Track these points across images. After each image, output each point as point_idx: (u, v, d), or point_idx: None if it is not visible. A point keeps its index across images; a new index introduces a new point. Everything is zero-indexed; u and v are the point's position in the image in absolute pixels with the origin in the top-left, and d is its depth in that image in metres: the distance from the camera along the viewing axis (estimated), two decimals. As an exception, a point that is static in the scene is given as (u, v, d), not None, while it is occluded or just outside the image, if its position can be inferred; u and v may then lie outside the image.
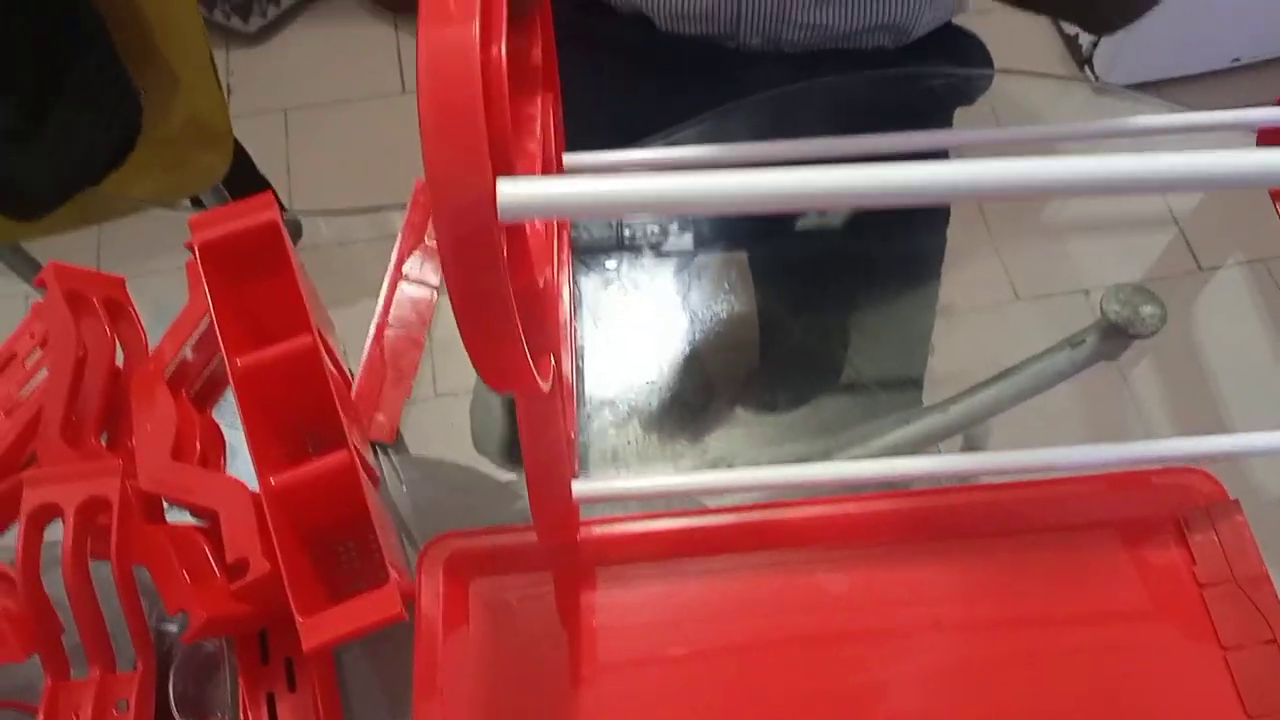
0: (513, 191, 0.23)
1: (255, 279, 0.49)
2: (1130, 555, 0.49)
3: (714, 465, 0.58)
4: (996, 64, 0.78)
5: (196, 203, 0.85)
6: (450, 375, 1.00)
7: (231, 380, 0.45)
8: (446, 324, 0.78)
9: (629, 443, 0.62)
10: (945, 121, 0.77)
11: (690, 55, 0.71)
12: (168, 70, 0.68)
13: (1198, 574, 0.48)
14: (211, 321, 0.47)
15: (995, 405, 0.57)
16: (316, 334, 0.47)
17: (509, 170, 0.23)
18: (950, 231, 0.79)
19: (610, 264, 0.67)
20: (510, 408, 0.69)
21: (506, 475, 0.63)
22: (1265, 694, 0.45)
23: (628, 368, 0.65)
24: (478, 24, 0.22)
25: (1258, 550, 0.48)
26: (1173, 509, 0.50)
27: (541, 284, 0.29)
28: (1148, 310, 0.55)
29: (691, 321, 0.67)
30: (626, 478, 0.42)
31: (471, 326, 0.24)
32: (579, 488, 0.41)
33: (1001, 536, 0.50)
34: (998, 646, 0.47)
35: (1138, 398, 1.18)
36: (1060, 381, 0.58)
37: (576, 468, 0.42)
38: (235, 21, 1.59)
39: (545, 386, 0.29)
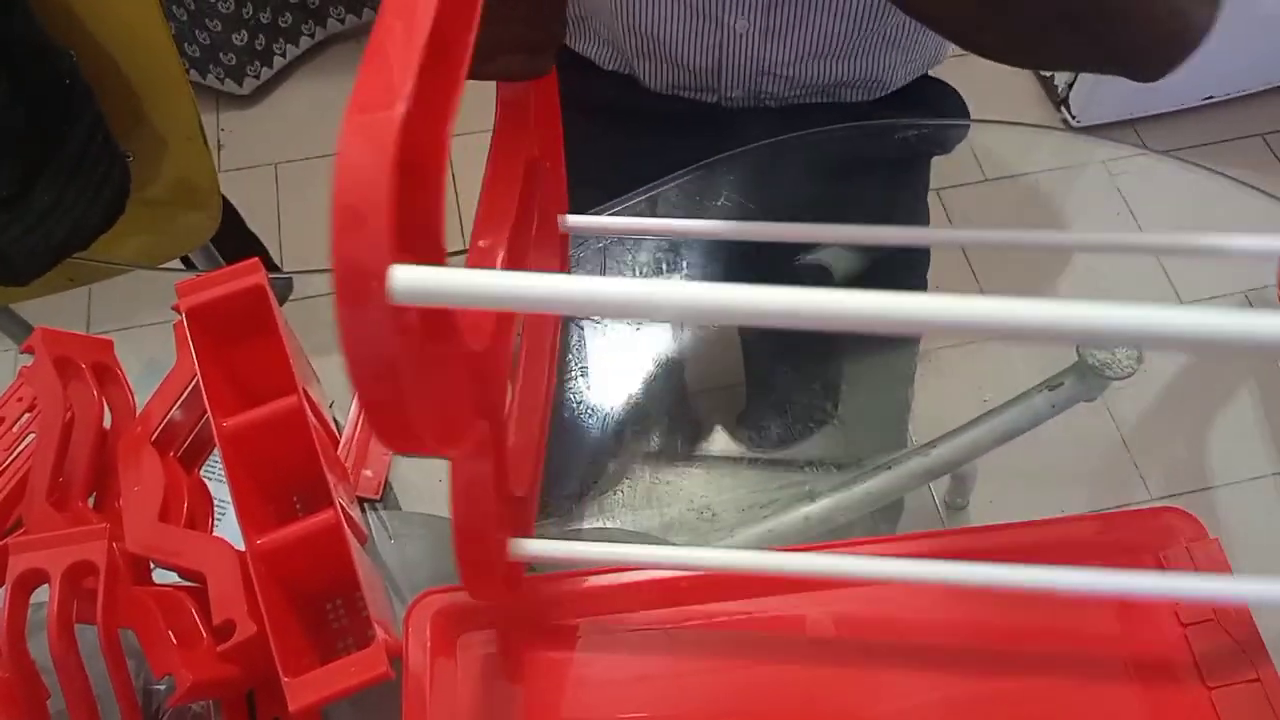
0: (407, 279, 0.23)
1: (242, 341, 0.50)
2: (1110, 596, 0.50)
3: (699, 510, 0.59)
4: (976, 106, 0.80)
5: (187, 263, 0.86)
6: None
7: (218, 442, 0.46)
8: None
9: (621, 486, 0.62)
10: (923, 169, 0.79)
11: (674, 112, 0.73)
12: (155, 134, 0.69)
13: (1180, 613, 0.49)
14: (198, 383, 0.48)
15: (974, 449, 0.58)
16: (302, 394, 0.47)
17: (416, 253, 0.24)
18: (932, 274, 0.80)
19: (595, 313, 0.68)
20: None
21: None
22: (1250, 732, 0.45)
23: (618, 409, 0.66)
24: (403, 108, 0.22)
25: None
26: (1154, 549, 0.50)
27: (478, 349, 0.29)
28: (1124, 352, 0.56)
29: (681, 363, 0.68)
30: (570, 543, 0.42)
31: (363, 395, 0.25)
32: (520, 548, 0.41)
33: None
34: (981, 688, 0.47)
35: (1118, 435, 1.19)
36: (1039, 424, 0.59)
37: (532, 525, 0.42)
38: (229, 84, 1.61)
39: (453, 452, 0.29)
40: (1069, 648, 0.49)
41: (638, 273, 0.68)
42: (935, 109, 0.77)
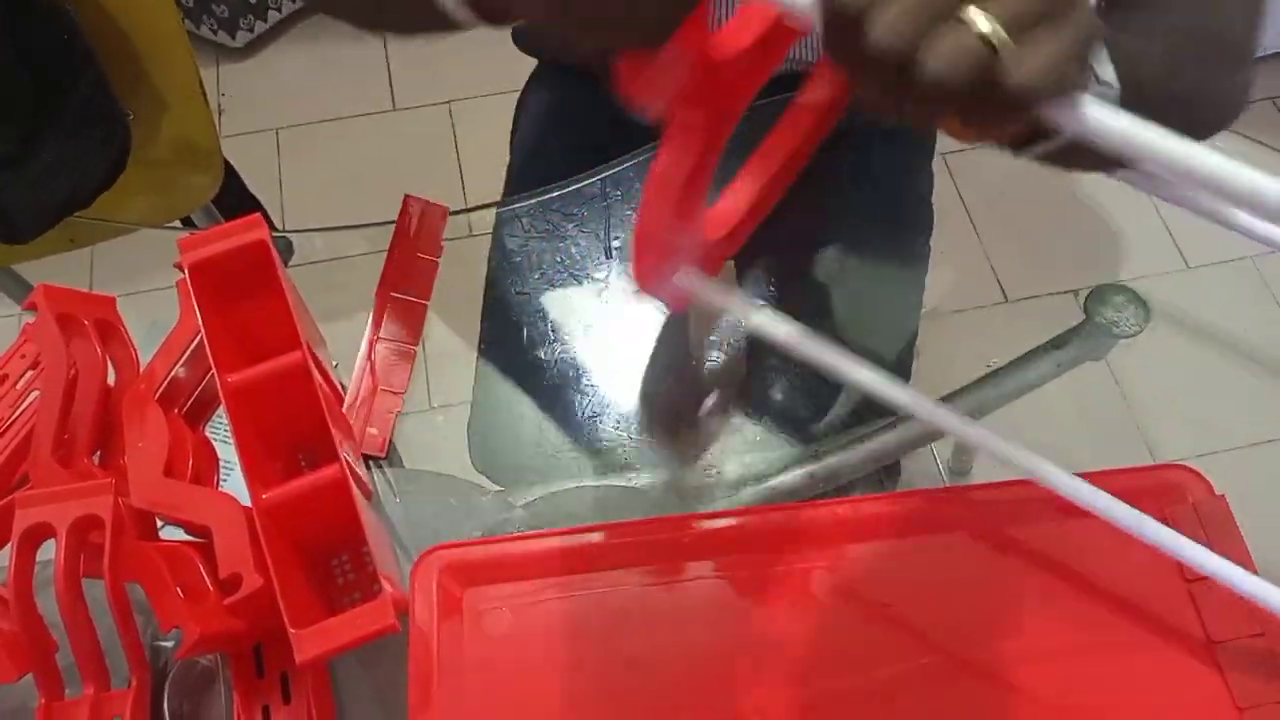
0: None
1: (245, 297, 0.50)
2: (1120, 553, 0.50)
3: (704, 468, 0.59)
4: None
5: (188, 223, 0.85)
6: (445, 388, 1.00)
7: (223, 397, 0.46)
8: (440, 336, 0.78)
9: (626, 443, 0.62)
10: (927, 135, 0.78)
11: None
12: (156, 94, 0.69)
13: (1185, 571, 0.49)
14: (202, 340, 0.47)
15: (980, 408, 0.57)
16: (306, 350, 0.47)
17: None
18: (937, 236, 0.79)
19: (599, 274, 0.68)
20: (507, 425, 0.70)
21: (500, 489, 0.63)
22: (1254, 686, 0.45)
23: (622, 374, 0.65)
24: None
25: (1245, 546, 0.48)
26: (1161, 506, 0.50)
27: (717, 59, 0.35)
28: (1131, 310, 0.56)
29: (681, 327, 0.67)
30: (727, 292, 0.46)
31: None
32: (687, 278, 0.44)
33: (987, 537, 0.50)
34: (986, 647, 0.48)
35: (1126, 394, 1.19)
36: (1045, 383, 0.58)
37: (717, 270, 0.48)
38: (222, 36, 1.60)
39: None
40: (1075, 605, 0.49)
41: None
42: None
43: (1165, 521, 0.50)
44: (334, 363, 0.71)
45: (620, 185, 0.68)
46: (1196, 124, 0.45)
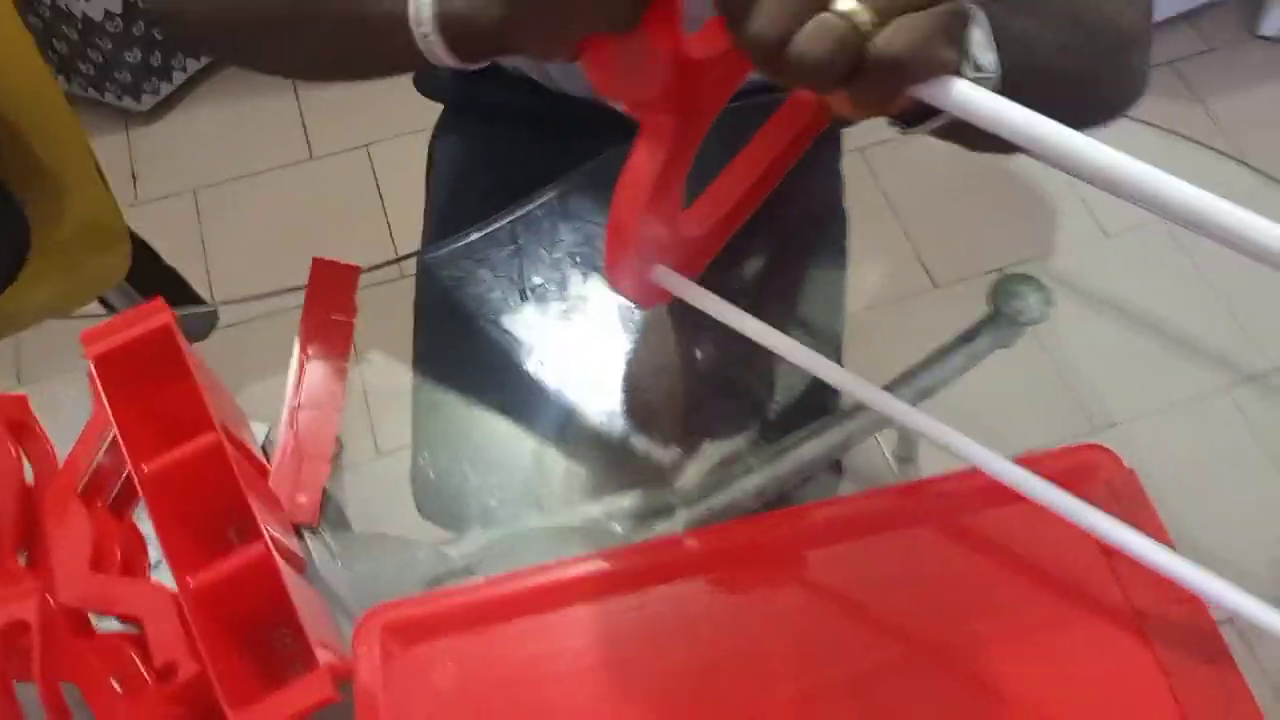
0: None
1: (155, 382, 0.49)
2: (1041, 534, 0.51)
3: (642, 495, 0.59)
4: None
5: (106, 304, 0.84)
6: (390, 434, 1.00)
7: (139, 486, 0.45)
8: (380, 381, 0.78)
9: (554, 482, 0.63)
10: (835, 136, 0.79)
11: (582, 113, 0.71)
12: (52, 178, 0.68)
13: (1106, 544, 0.50)
14: (114, 431, 0.47)
15: (897, 405, 0.58)
16: (221, 430, 0.47)
17: None
18: (859, 232, 0.81)
19: (520, 315, 0.68)
20: (450, 470, 0.70)
21: (448, 535, 0.63)
22: (1180, 652, 0.47)
23: (554, 410, 0.66)
24: None
25: (1158, 517, 0.50)
26: (1077, 485, 0.52)
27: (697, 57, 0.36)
28: (1034, 298, 0.57)
29: (620, 354, 0.68)
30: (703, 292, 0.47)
31: None
32: (663, 276, 0.46)
33: (914, 528, 0.52)
34: (916, 638, 0.49)
35: (1055, 374, 1.22)
36: (960, 374, 0.60)
37: (697, 270, 0.47)
38: (128, 101, 1.58)
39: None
40: (1003, 589, 0.50)
41: (553, 265, 0.68)
42: None
43: (1083, 499, 0.51)
44: (267, 429, 0.71)
45: (530, 228, 0.69)
46: (1092, 107, 0.47)
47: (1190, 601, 0.48)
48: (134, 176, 1.60)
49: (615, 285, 0.45)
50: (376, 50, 0.45)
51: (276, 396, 0.64)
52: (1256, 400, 1.30)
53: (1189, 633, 0.47)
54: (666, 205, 0.43)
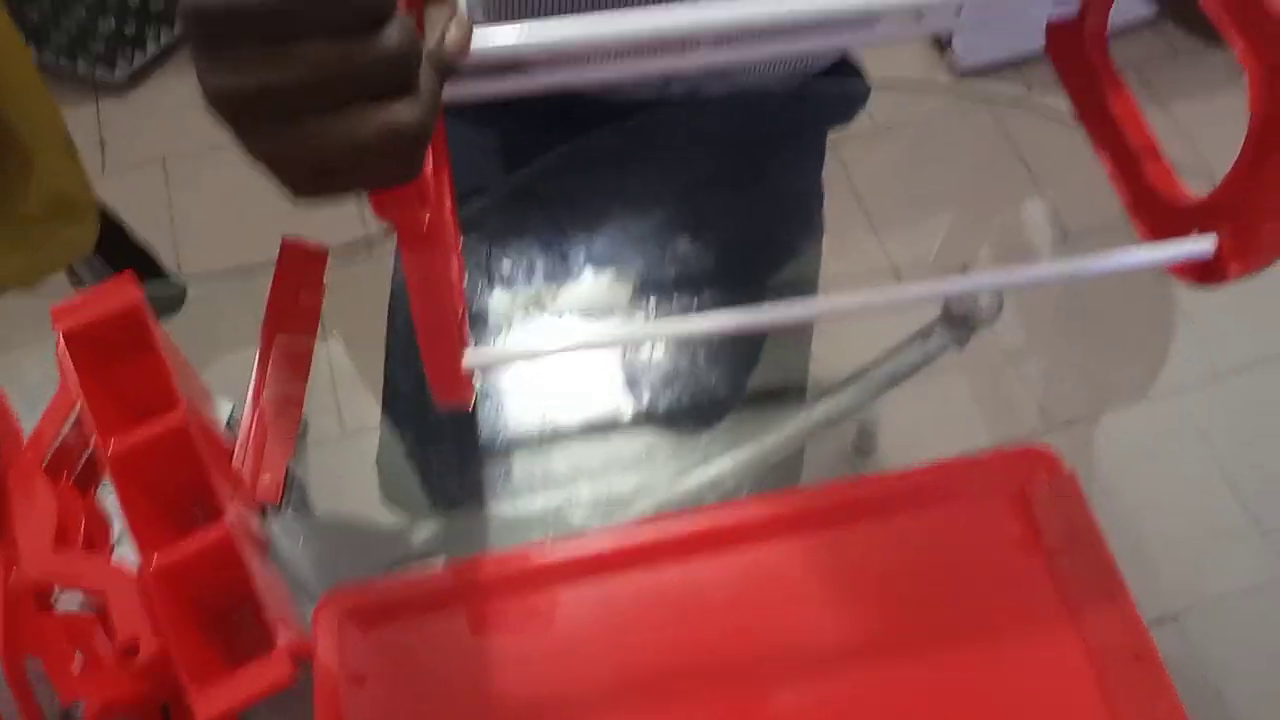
0: None
1: (123, 358, 0.50)
2: (982, 532, 0.53)
3: (597, 487, 0.61)
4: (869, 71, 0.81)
5: (74, 275, 0.84)
6: (356, 413, 1.00)
7: (105, 463, 0.46)
8: (348, 360, 0.79)
9: (511, 469, 0.64)
10: (820, 142, 0.80)
11: (566, 109, 0.70)
12: (20, 149, 0.68)
13: (1044, 545, 0.52)
14: (82, 407, 0.48)
15: (853, 405, 0.60)
16: (186, 408, 0.47)
17: None
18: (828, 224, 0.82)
19: (485, 299, 0.69)
20: (418, 455, 0.71)
21: (411, 520, 0.64)
22: (1110, 644, 0.49)
23: (529, 402, 0.67)
24: None
25: (1094, 521, 0.52)
26: (1018, 485, 0.54)
27: None
28: (985, 300, 0.59)
29: (584, 344, 0.69)
30: (517, 343, 0.43)
31: None
32: (472, 357, 0.42)
33: (859, 524, 0.53)
34: (864, 636, 0.50)
35: (1008, 370, 1.24)
36: (914, 373, 0.62)
37: (468, 339, 0.43)
38: (101, 71, 1.56)
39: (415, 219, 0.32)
40: (949, 585, 0.52)
41: (524, 264, 0.69)
42: (841, 85, 0.78)
43: (1023, 499, 0.53)
44: (231, 404, 0.71)
45: (499, 213, 0.69)
46: None
47: (1123, 600, 0.50)
48: (102, 145, 1.58)
49: (451, 399, 0.43)
50: None
51: (244, 373, 0.64)
52: (1205, 401, 1.32)
53: (1118, 631, 0.49)
54: (455, 302, 0.40)
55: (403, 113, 0.27)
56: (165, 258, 1.42)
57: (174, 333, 0.56)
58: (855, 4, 0.34)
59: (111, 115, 1.62)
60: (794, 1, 0.33)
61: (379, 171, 0.29)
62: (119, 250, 0.86)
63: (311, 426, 1.02)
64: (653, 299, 0.69)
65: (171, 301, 0.69)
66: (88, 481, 0.54)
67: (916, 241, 1.47)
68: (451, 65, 0.30)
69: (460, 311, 0.40)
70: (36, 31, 1.53)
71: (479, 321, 0.68)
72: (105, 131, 1.60)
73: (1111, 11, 0.47)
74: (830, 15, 0.33)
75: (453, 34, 0.30)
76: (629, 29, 0.33)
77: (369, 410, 0.78)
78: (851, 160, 1.49)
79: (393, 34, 0.26)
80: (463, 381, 0.41)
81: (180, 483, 0.50)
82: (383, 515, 0.70)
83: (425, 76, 0.28)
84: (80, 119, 1.60)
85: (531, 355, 0.42)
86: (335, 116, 0.27)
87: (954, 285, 0.48)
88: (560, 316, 0.68)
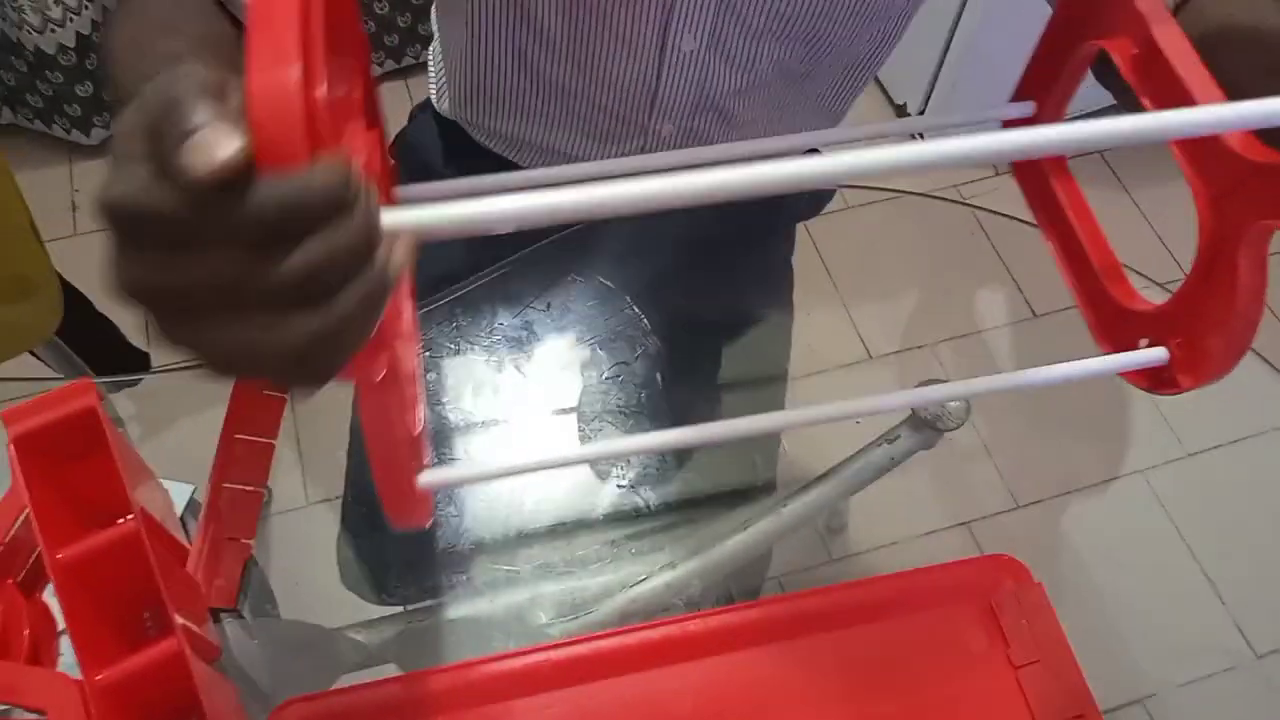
0: None
1: (75, 462, 0.49)
2: (950, 643, 0.53)
3: (563, 586, 0.60)
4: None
5: (35, 355, 0.83)
6: (322, 483, 0.98)
7: (51, 574, 0.45)
8: (313, 431, 0.77)
9: (476, 567, 0.63)
10: (791, 232, 0.81)
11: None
12: (-17, 234, 0.67)
13: (1012, 656, 0.52)
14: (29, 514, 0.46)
15: (820, 505, 0.60)
16: (139, 516, 0.46)
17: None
18: (800, 299, 0.83)
19: (452, 387, 0.68)
20: (375, 545, 0.70)
21: (369, 614, 0.63)
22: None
23: (489, 494, 0.66)
24: (299, 67, 0.23)
25: (1061, 631, 0.52)
26: (986, 594, 0.53)
27: None
28: (953, 405, 0.59)
29: (551, 436, 0.69)
30: (477, 459, 0.42)
31: None
32: (427, 477, 0.41)
33: (826, 634, 0.53)
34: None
35: (982, 458, 1.25)
36: (881, 475, 0.61)
37: (426, 459, 0.42)
38: (76, 134, 1.56)
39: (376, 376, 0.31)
40: (915, 695, 0.51)
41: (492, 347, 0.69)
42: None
43: (990, 609, 0.53)
44: (193, 489, 0.70)
45: (468, 308, 0.69)
46: None
47: (1088, 716, 0.49)
48: (74, 206, 1.57)
49: (405, 522, 0.42)
50: None
51: (205, 451, 0.63)
52: (1170, 482, 1.33)
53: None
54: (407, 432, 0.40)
55: (308, 324, 0.25)
56: (132, 320, 1.41)
57: (136, 406, 0.55)
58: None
59: (85, 177, 1.62)
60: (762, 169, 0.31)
61: (286, 376, 0.27)
62: (83, 325, 0.84)
63: (275, 496, 1.01)
64: (622, 394, 0.69)
65: (134, 372, 0.68)
66: (33, 584, 0.52)
67: (884, 314, 1.48)
68: (385, 287, 0.27)
69: (417, 434, 0.39)
70: (11, 95, 1.53)
71: (437, 421, 0.67)
72: (77, 195, 1.59)
73: (1073, 99, 0.47)
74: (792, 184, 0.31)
75: (396, 255, 0.28)
76: (567, 206, 0.29)
77: (335, 480, 0.77)
78: (821, 237, 1.51)
79: (312, 248, 0.25)
80: (419, 502, 0.40)
81: (130, 590, 0.49)
82: (341, 607, 0.69)
83: (351, 292, 0.26)
84: (53, 180, 1.60)
85: (490, 477, 0.42)
86: (237, 324, 0.25)
87: (921, 396, 0.48)
88: (523, 421, 0.68)
